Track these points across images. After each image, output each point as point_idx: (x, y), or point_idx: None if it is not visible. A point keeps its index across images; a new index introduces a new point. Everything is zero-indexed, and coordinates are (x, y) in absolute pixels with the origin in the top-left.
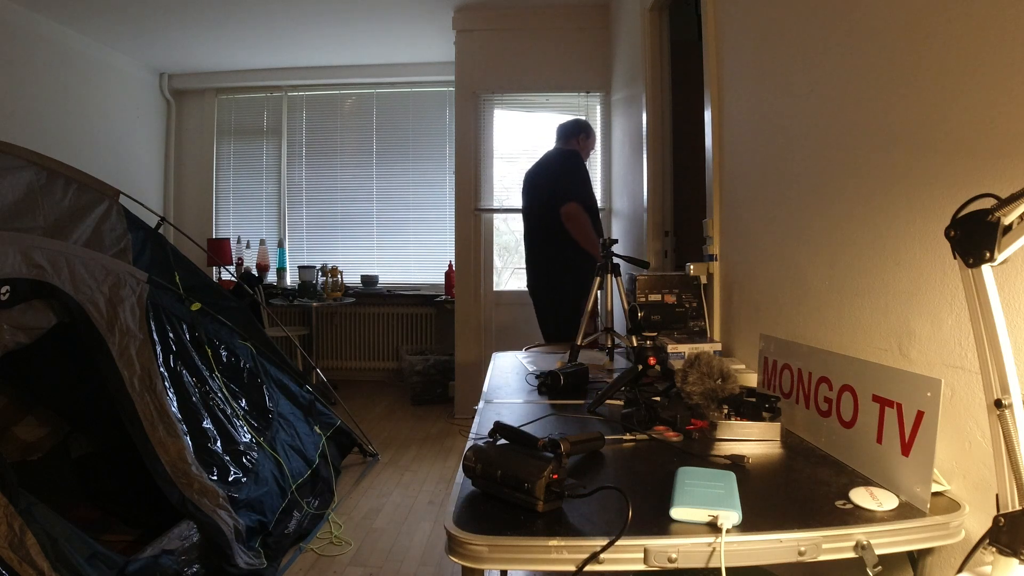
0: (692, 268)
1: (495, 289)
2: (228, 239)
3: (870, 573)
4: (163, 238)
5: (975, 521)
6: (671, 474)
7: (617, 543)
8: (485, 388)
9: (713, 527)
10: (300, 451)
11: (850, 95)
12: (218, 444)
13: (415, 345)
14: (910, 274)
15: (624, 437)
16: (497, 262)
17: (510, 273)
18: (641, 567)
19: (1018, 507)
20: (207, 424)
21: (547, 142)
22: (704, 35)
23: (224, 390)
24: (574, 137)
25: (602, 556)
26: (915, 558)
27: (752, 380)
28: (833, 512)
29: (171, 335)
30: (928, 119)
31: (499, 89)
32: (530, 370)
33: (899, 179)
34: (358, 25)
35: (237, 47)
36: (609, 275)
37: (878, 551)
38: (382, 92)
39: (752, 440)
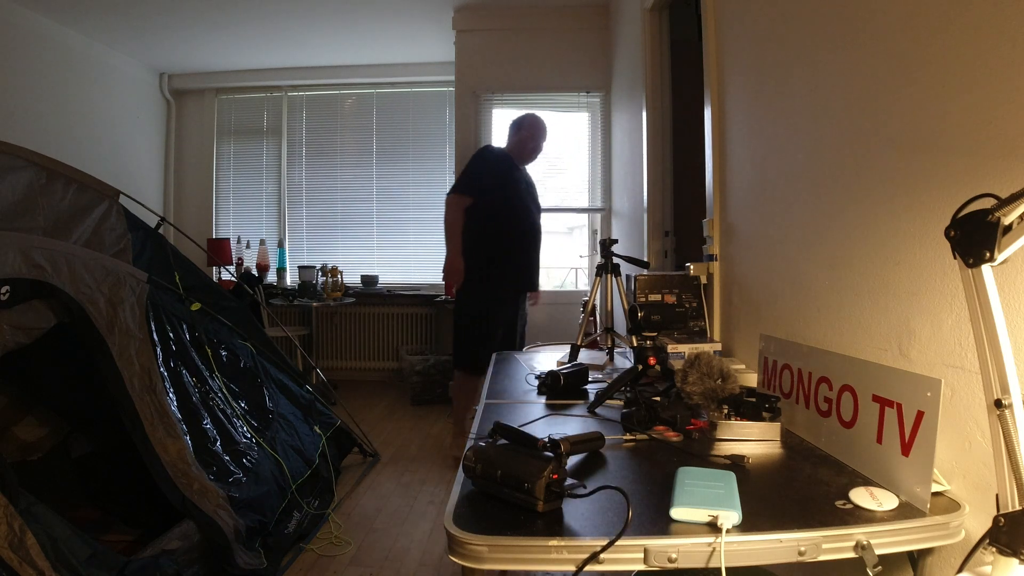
0: (692, 268)
1: None
2: (228, 239)
3: (870, 573)
4: (163, 238)
5: (975, 521)
6: (671, 474)
7: (617, 543)
8: (485, 388)
9: (713, 527)
10: (300, 451)
11: (850, 95)
12: (218, 444)
13: (415, 345)
14: (910, 274)
15: (624, 437)
16: None
17: None
18: (641, 567)
19: (1018, 507)
20: (207, 424)
21: (547, 141)
22: (704, 35)
23: (224, 390)
24: (510, 136)
25: (602, 556)
26: (915, 558)
27: (752, 380)
28: (833, 512)
29: (171, 335)
30: (928, 119)
31: (499, 89)
32: (530, 370)
33: (899, 179)
34: (358, 25)
35: (237, 47)
36: (609, 275)
37: (878, 551)
38: (382, 92)
39: (752, 440)
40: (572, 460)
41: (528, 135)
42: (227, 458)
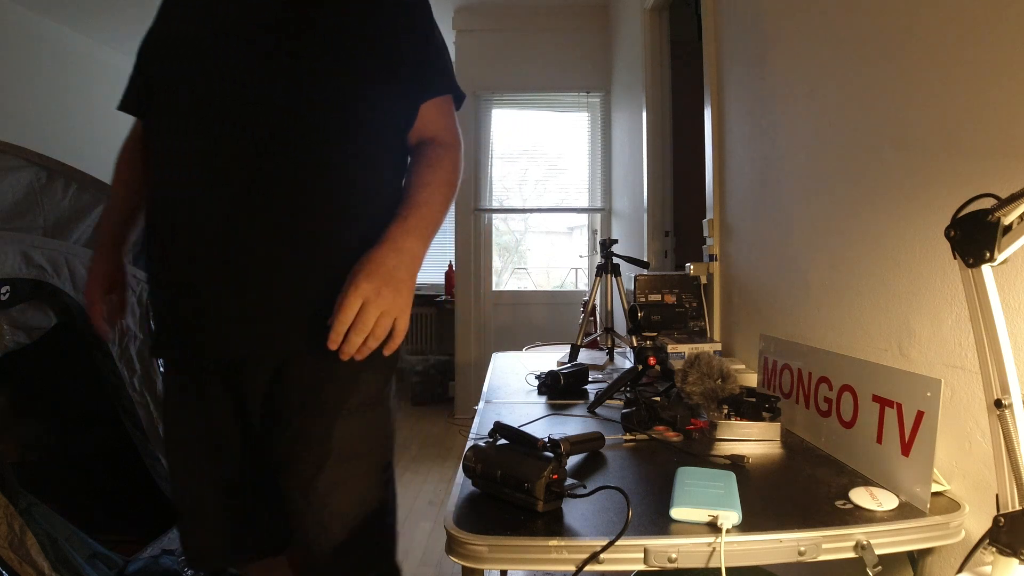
0: (692, 268)
1: (494, 289)
2: None
3: (870, 573)
4: None
5: (975, 521)
6: (671, 474)
7: (617, 543)
8: (485, 388)
9: (713, 527)
10: None
11: (850, 95)
12: None
13: (415, 345)
14: (910, 274)
15: (624, 437)
16: (497, 262)
17: (510, 273)
18: (641, 567)
19: (1018, 507)
20: None
21: (547, 141)
22: (704, 35)
23: None
24: None
25: (602, 556)
26: (915, 558)
27: (752, 380)
28: (833, 512)
29: None
30: (928, 119)
31: (499, 89)
32: (530, 370)
33: (899, 179)
34: None
35: None
36: (609, 275)
37: (878, 551)
38: None
39: (752, 440)
40: (572, 460)
41: None
42: None
